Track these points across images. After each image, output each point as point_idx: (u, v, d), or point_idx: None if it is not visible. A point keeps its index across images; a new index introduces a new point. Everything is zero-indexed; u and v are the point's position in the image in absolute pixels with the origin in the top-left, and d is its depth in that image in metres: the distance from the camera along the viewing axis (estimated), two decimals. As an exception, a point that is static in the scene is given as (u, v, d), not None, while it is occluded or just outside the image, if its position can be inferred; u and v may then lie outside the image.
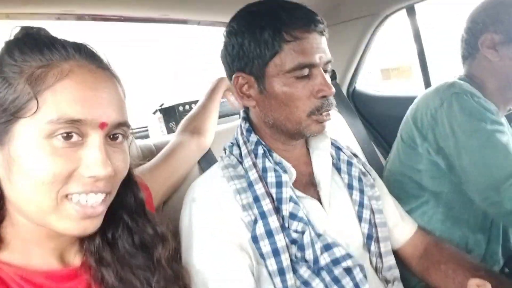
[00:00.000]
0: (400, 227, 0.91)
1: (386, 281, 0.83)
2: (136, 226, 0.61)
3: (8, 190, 0.49)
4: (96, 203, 0.50)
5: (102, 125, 0.50)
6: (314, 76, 0.72)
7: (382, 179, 1.01)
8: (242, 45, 0.73)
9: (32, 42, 0.50)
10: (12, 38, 0.52)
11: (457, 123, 0.92)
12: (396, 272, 0.84)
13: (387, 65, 4.43)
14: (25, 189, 0.48)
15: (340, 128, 1.45)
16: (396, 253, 0.87)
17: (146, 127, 1.46)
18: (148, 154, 1.00)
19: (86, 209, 0.50)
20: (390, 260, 0.83)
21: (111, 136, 0.53)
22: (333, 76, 1.76)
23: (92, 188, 0.50)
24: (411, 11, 1.47)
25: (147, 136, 1.34)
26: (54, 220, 0.49)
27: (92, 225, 0.51)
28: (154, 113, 1.45)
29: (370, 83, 1.88)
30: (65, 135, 0.47)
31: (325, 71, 0.75)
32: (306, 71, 0.71)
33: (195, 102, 1.44)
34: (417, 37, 1.50)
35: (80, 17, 1.15)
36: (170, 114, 1.41)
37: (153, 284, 0.58)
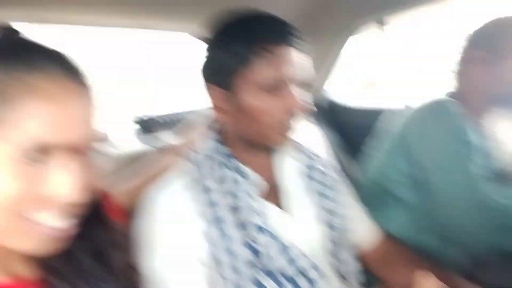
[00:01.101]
0: (362, 231, 0.93)
1: (343, 280, 0.85)
2: (91, 234, 0.57)
3: None
4: (67, 227, 0.47)
5: (74, 148, 0.46)
6: (287, 92, 0.69)
7: (349, 185, 1.03)
8: (215, 57, 0.72)
9: None
10: None
11: (437, 141, 0.98)
12: (356, 273, 0.86)
13: (362, 77, 4.55)
14: None
15: (313, 137, 1.47)
16: (357, 256, 0.89)
17: (119, 138, 1.44)
18: (119, 164, 1.00)
19: (49, 233, 0.46)
20: (352, 262, 0.85)
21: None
22: (309, 86, 1.78)
23: (59, 212, 0.46)
24: (381, 24, 1.52)
25: (119, 147, 1.33)
26: (15, 241, 0.46)
27: (53, 246, 0.48)
28: (132, 123, 1.43)
29: (352, 93, 1.91)
30: (32, 158, 0.43)
31: (302, 86, 0.72)
32: (278, 86, 0.68)
33: (175, 115, 1.45)
34: (386, 50, 1.55)
35: (44, 20, 1.07)
36: (148, 127, 1.40)
37: None
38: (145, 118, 1.40)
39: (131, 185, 0.90)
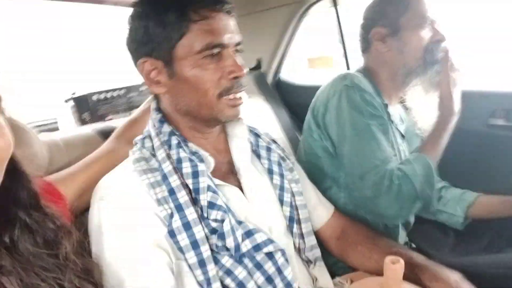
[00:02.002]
0: (319, 210, 0.95)
1: (308, 262, 0.86)
2: (35, 222, 0.54)
3: None
4: None
5: None
6: (225, 57, 0.70)
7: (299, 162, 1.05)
8: (147, 28, 0.68)
9: None
10: None
11: (342, 114, 1.01)
12: (318, 252, 0.87)
13: (312, 54, 4.59)
14: None
15: (265, 116, 1.45)
16: (315, 235, 0.90)
17: (55, 119, 1.32)
18: (55, 149, 0.90)
19: None
20: (312, 241, 0.86)
21: None
22: (258, 65, 1.76)
23: None
24: (335, 0, 1.51)
25: (56, 129, 1.21)
26: None
27: None
28: (67, 101, 1.31)
29: (296, 71, 1.91)
30: None
31: (237, 52, 0.73)
32: (215, 51, 0.69)
33: (113, 90, 1.35)
34: (339, 27, 1.55)
35: None
36: (84, 105, 1.28)
37: (65, 284, 0.52)
38: (79, 96, 1.29)
39: (74, 172, 0.81)
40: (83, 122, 1.26)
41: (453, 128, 1.02)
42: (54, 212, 0.57)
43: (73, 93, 1.32)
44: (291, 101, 1.76)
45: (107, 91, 1.34)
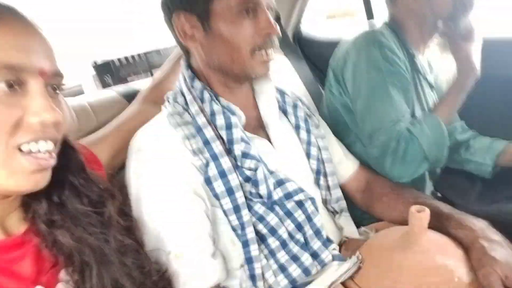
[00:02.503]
0: (344, 164, 0.96)
1: (334, 212, 0.89)
2: (81, 185, 0.59)
3: None
4: (47, 152, 0.50)
5: (42, 73, 0.49)
6: (259, 14, 0.71)
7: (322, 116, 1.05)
8: None
9: None
10: None
11: (360, 70, 0.99)
12: (343, 204, 0.90)
13: (333, 10, 4.40)
14: None
15: (286, 72, 1.43)
16: (341, 188, 0.92)
17: (80, 84, 1.35)
18: (83, 113, 0.93)
19: (39, 160, 0.48)
20: (338, 193, 0.89)
21: (49, 88, 0.52)
22: (278, 20, 1.70)
23: (42, 135, 0.49)
24: None
25: (81, 92, 1.24)
26: (4, 177, 0.47)
27: (43, 179, 0.50)
28: (89, 67, 1.33)
29: (315, 26, 1.85)
30: (4, 83, 0.46)
31: (269, 10, 0.73)
32: (251, 6, 0.70)
33: (133, 56, 1.35)
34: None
35: None
36: (106, 69, 1.29)
37: (110, 239, 0.57)
38: (102, 63, 1.30)
39: (106, 135, 0.84)
40: (105, 84, 1.28)
41: (472, 86, 0.98)
42: (98, 176, 0.62)
43: (95, 61, 1.33)
44: (313, 55, 1.71)
45: (127, 57, 1.35)
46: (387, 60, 0.97)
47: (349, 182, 0.97)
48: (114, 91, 1.06)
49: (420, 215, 0.69)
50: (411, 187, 0.95)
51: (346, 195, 0.94)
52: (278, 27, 0.72)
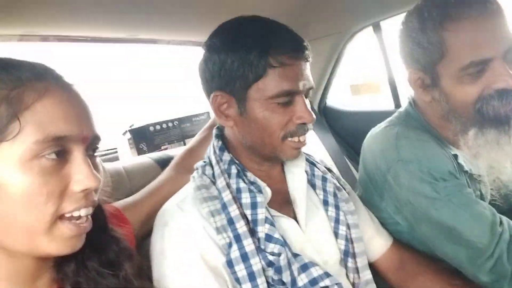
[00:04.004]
0: (376, 240, 0.91)
1: None
2: (101, 243, 0.59)
3: None
4: (87, 218, 0.51)
5: (84, 140, 0.51)
6: (296, 103, 0.71)
7: (356, 192, 1.01)
8: (224, 63, 0.70)
9: None
10: None
11: (410, 191, 0.83)
12: (373, 287, 0.83)
13: (356, 81, 4.55)
14: (13, 215, 0.46)
15: (312, 143, 1.45)
16: (372, 266, 0.87)
17: (115, 149, 1.41)
18: (117, 177, 0.96)
19: (79, 227, 0.50)
20: (367, 275, 0.83)
21: (89, 151, 0.54)
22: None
23: (85, 203, 0.50)
24: (377, 28, 1.52)
25: (116, 159, 1.30)
26: (46, 242, 0.48)
27: (80, 242, 0.52)
28: (124, 134, 1.41)
29: (340, 98, 1.92)
30: (54, 154, 0.47)
31: (306, 97, 0.74)
32: (288, 98, 0.69)
33: (167, 122, 1.43)
34: (384, 54, 1.55)
35: (44, 38, 1.10)
36: (141, 135, 1.37)
37: None
38: (137, 127, 1.37)
39: (140, 200, 0.87)
40: (140, 151, 1.33)
41: None
42: (119, 235, 0.62)
43: (131, 125, 1.41)
44: (339, 127, 1.75)
45: (161, 122, 1.43)
46: (434, 157, 0.83)
47: (381, 260, 0.91)
48: (148, 158, 1.10)
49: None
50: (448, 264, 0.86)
51: (377, 274, 0.89)
52: (314, 115, 0.71)
